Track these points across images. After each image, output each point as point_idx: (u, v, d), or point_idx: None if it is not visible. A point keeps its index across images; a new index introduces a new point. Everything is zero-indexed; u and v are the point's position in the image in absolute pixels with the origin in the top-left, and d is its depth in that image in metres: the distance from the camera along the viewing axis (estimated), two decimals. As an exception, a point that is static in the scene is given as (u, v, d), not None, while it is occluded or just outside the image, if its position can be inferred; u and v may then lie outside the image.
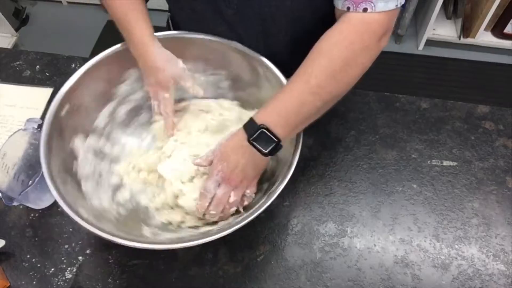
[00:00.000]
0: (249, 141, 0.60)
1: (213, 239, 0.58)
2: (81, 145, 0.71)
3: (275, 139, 0.60)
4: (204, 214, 0.67)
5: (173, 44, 0.74)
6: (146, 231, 0.66)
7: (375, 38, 0.59)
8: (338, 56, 0.58)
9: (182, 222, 0.70)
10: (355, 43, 0.58)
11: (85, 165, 0.70)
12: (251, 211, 0.62)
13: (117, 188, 0.73)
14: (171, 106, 0.74)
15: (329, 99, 0.61)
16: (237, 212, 0.68)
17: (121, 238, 0.58)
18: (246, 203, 0.67)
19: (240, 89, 0.80)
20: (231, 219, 0.67)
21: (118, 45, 0.74)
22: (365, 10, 0.57)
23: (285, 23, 0.73)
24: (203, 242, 0.57)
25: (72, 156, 0.69)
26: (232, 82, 0.80)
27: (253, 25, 0.74)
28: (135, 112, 0.80)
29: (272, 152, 0.61)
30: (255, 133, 0.60)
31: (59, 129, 0.68)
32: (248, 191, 0.65)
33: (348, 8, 0.59)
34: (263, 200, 0.62)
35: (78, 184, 0.67)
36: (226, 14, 0.73)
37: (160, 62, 0.70)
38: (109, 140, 0.77)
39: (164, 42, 0.73)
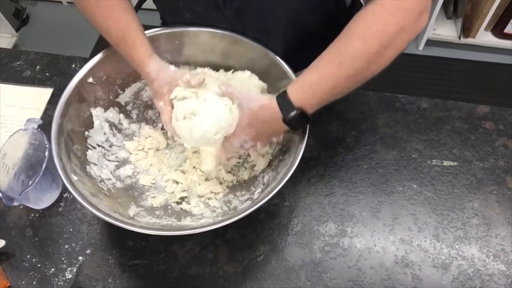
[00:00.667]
0: (284, 121, 0.62)
1: (208, 229, 0.60)
2: (100, 115, 0.75)
3: (308, 120, 0.62)
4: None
5: (181, 39, 0.77)
6: (131, 211, 0.68)
7: (412, 16, 0.56)
8: (373, 40, 0.57)
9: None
10: (390, 24, 0.56)
11: (98, 133, 0.75)
12: (236, 212, 0.64)
13: (123, 162, 0.76)
14: (168, 113, 0.70)
15: (361, 80, 0.62)
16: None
17: (104, 214, 0.60)
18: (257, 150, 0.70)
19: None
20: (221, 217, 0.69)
21: (150, 30, 0.76)
22: None
23: (285, 21, 0.73)
24: (197, 232, 0.60)
25: (86, 124, 0.73)
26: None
27: (253, 23, 0.74)
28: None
29: (297, 126, 0.64)
30: (291, 114, 0.61)
31: (81, 96, 0.72)
32: (258, 145, 0.68)
33: None
34: (261, 196, 0.63)
35: (84, 150, 0.71)
36: (227, 14, 0.73)
37: (153, 73, 0.69)
38: (128, 118, 0.80)
39: (173, 37, 0.77)
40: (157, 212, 0.71)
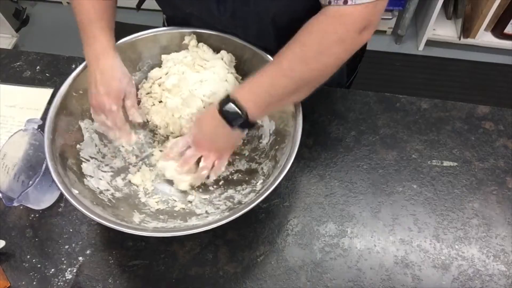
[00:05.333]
0: (219, 111, 0.64)
1: (205, 229, 0.60)
2: (89, 127, 0.75)
3: (243, 112, 0.63)
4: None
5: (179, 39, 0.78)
6: (136, 218, 0.68)
7: (353, 31, 0.59)
8: (311, 44, 0.60)
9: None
10: (329, 34, 0.59)
11: (89, 145, 0.74)
12: (241, 206, 0.64)
13: (118, 172, 0.76)
14: (120, 117, 0.73)
15: (301, 83, 0.63)
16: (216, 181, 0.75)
17: (112, 222, 0.61)
18: (213, 175, 0.73)
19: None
20: (216, 217, 0.68)
21: (135, 35, 0.78)
22: (345, 2, 0.57)
23: (279, 20, 0.73)
24: (192, 232, 0.60)
25: (77, 137, 0.73)
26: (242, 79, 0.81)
27: (248, 26, 0.75)
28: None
29: (240, 126, 0.64)
30: (226, 104, 0.63)
31: (68, 109, 0.72)
32: (216, 162, 0.71)
33: (330, 2, 0.59)
34: (256, 196, 0.64)
35: (79, 164, 0.71)
36: (220, 16, 0.74)
37: (117, 73, 0.71)
38: None
39: (175, 36, 0.78)
40: (161, 217, 0.70)
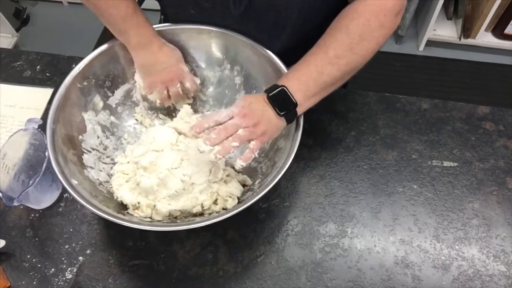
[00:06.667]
0: (268, 97, 0.63)
1: (204, 224, 0.60)
2: (92, 118, 0.75)
3: (293, 100, 0.63)
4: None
5: (189, 36, 0.78)
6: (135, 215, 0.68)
7: (391, 15, 0.63)
8: (355, 31, 0.63)
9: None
10: (371, 20, 0.63)
11: (92, 137, 0.74)
12: (236, 206, 0.64)
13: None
14: (163, 92, 0.77)
15: (347, 69, 0.65)
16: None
17: (109, 215, 0.61)
18: (248, 155, 0.62)
19: (251, 88, 0.81)
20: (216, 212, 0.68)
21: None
22: None
23: (297, 14, 0.73)
24: (190, 227, 0.60)
25: (79, 128, 0.73)
26: (245, 79, 0.81)
27: (264, 18, 0.74)
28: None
29: (287, 115, 0.64)
30: (275, 91, 0.63)
31: (72, 100, 0.72)
32: (253, 142, 0.62)
33: None
34: (255, 192, 0.64)
35: (80, 155, 0.71)
36: (234, 10, 0.73)
37: (165, 58, 0.74)
38: (118, 120, 0.80)
39: (178, 33, 0.78)
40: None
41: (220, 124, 0.61)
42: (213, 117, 0.62)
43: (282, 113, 0.63)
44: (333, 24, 0.65)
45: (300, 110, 0.65)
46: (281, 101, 0.63)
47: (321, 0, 0.72)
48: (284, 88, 0.63)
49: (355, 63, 0.65)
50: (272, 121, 0.64)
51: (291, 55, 0.74)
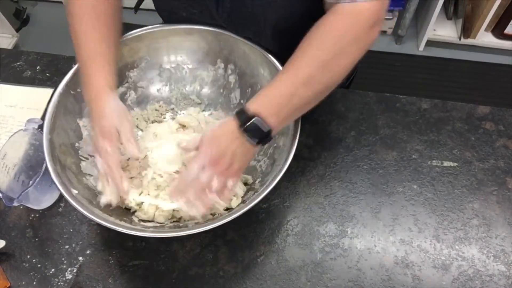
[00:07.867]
0: (240, 129, 0.59)
1: (207, 229, 0.60)
2: (87, 125, 0.75)
3: (268, 129, 0.59)
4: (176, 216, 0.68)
5: (186, 35, 0.78)
6: (135, 218, 0.68)
7: (366, 27, 0.58)
8: (328, 47, 0.58)
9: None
10: (346, 34, 0.58)
11: (88, 143, 0.74)
12: (237, 208, 0.64)
13: None
14: (116, 160, 0.62)
15: (321, 89, 0.61)
16: (226, 209, 0.68)
17: (111, 223, 0.61)
18: (227, 195, 0.63)
19: (246, 86, 0.81)
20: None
21: (130, 32, 0.78)
22: None
23: (275, 21, 0.73)
24: (192, 232, 0.60)
25: (76, 135, 0.73)
26: (239, 77, 0.82)
27: (246, 25, 0.75)
28: (146, 99, 0.84)
29: (262, 142, 0.60)
30: (248, 122, 0.58)
31: (66, 108, 0.72)
32: (230, 181, 0.62)
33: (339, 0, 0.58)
34: (258, 193, 0.63)
35: (77, 162, 0.71)
36: (218, 16, 0.74)
37: (108, 110, 0.63)
38: None
39: (177, 33, 0.78)
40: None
41: (194, 179, 0.60)
42: (187, 179, 0.61)
43: (259, 142, 0.60)
44: (306, 37, 0.60)
45: (273, 134, 0.60)
46: (255, 131, 0.58)
47: (300, 7, 0.70)
48: (258, 118, 0.58)
49: (329, 82, 0.60)
50: (246, 154, 0.62)
51: (278, 59, 0.74)
